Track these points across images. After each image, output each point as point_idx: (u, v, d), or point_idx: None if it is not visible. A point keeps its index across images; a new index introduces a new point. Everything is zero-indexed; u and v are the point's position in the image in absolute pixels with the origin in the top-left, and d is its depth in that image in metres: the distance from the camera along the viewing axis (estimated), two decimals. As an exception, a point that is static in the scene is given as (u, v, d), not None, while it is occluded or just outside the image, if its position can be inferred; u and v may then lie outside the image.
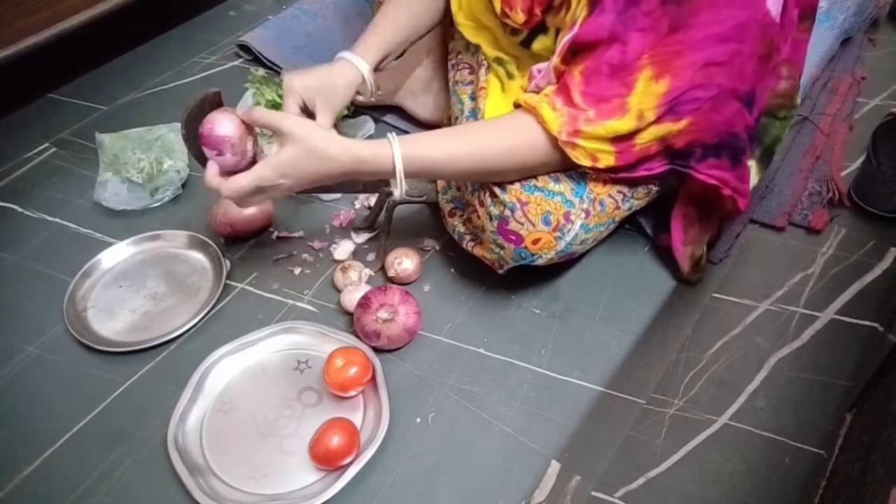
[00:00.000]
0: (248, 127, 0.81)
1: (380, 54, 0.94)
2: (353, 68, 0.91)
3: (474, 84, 1.01)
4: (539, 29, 0.92)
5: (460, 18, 0.99)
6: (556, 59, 0.80)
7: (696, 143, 0.80)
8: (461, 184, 0.94)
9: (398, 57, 1.26)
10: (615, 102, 0.76)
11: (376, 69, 0.94)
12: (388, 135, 0.79)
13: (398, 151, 0.77)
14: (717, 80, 0.75)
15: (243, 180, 0.77)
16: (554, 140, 0.77)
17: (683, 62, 0.74)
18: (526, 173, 0.81)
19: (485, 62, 0.99)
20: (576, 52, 0.78)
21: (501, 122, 0.82)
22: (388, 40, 0.95)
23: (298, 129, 0.76)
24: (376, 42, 0.94)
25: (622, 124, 0.76)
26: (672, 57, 0.74)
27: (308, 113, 0.88)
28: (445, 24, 1.05)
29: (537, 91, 0.83)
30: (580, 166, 0.80)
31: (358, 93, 0.94)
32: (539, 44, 0.93)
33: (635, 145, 0.78)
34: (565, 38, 0.78)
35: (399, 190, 0.79)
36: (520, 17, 0.89)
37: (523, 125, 0.79)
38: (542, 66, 0.89)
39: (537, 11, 0.87)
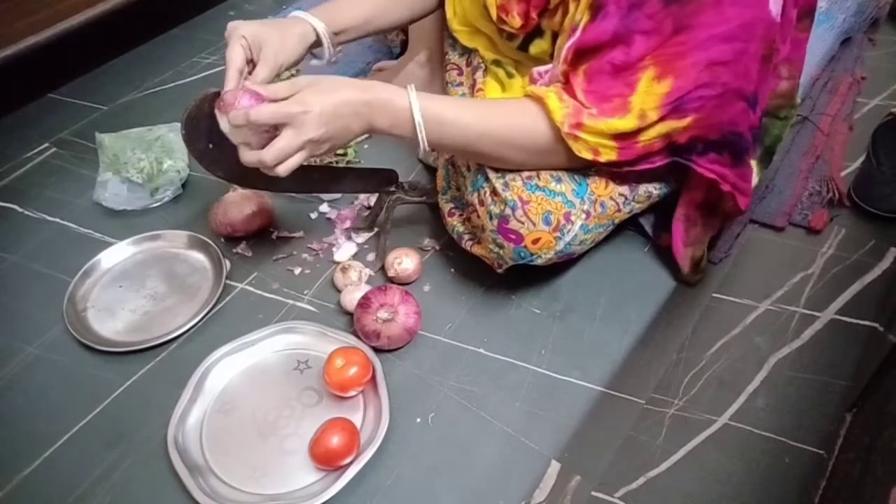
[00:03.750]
0: (260, 97, 0.78)
1: (333, 24, 0.90)
2: (305, 23, 0.88)
3: (465, 85, 1.01)
4: (535, 33, 0.92)
5: (455, 25, 0.99)
6: (561, 66, 0.80)
7: (699, 138, 0.81)
8: (461, 183, 0.94)
9: (396, 56, 1.26)
10: (617, 102, 0.76)
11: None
12: (408, 85, 0.79)
13: (414, 95, 0.77)
14: (722, 79, 0.75)
15: (266, 109, 0.74)
16: (557, 130, 0.77)
17: (687, 62, 0.74)
18: (530, 159, 0.81)
19: (482, 65, 0.99)
20: (580, 55, 0.78)
21: (509, 102, 0.82)
22: (344, 14, 0.91)
23: (308, 79, 0.76)
24: (330, 10, 0.91)
25: (624, 123, 0.76)
26: (675, 58, 0.74)
27: (251, 68, 0.84)
28: (443, 24, 1.05)
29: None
30: (583, 164, 0.80)
31: (313, 55, 0.91)
32: (536, 47, 0.93)
33: (639, 142, 0.78)
34: (568, 44, 0.78)
35: (421, 142, 0.78)
36: (516, 21, 0.89)
37: (529, 109, 0.79)
38: (541, 69, 0.89)
39: (534, 15, 0.87)
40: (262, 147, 0.75)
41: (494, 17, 0.91)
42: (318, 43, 0.90)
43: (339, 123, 0.76)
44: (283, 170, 0.76)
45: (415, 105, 0.77)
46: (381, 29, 0.98)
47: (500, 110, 0.81)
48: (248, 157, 0.77)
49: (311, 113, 0.74)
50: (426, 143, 0.78)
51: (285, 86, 0.76)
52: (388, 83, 0.79)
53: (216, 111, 0.78)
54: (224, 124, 0.77)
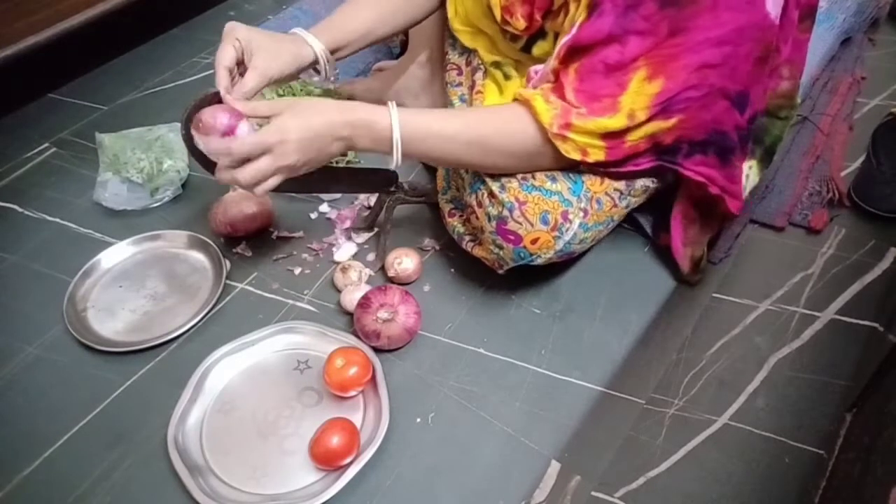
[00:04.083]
0: (238, 113, 0.79)
1: (333, 40, 0.90)
2: (303, 43, 0.87)
3: (463, 86, 1.01)
4: (538, 34, 0.92)
5: (457, 24, 0.99)
6: (553, 62, 0.80)
7: (684, 139, 0.81)
8: (460, 184, 0.94)
9: (396, 56, 1.26)
10: (606, 101, 0.76)
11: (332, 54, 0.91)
12: (389, 102, 0.79)
13: (395, 113, 0.77)
14: (709, 81, 0.76)
15: (246, 140, 0.75)
16: (545, 132, 0.77)
17: (679, 64, 0.74)
18: (520, 163, 0.81)
19: (481, 66, 0.99)
20: (573, 53, 0.78)
21: (496, 108, 0.83)
22: (345, 29, 0.91)
23: (289, 101, 0.77)
24: (332, 27, 0.91)
25: (613, 122, 0.76)
26: (669, 59, 0.74)
27: (241, 70, 0.84)
28: (443, 25, 1.05)
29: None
30: (570, 164, 0.80)
31: (316, 71, 0.91)
32: (539, 49, 0.93)
33: (626, 142, 0.79)
34: (563, 41, 0.78)
35: (395, 158, 0.79)
36: (521, 23, 0.89)
37: (516, 113, 0.79)
38: (538, 67, 0.89)
39: (537, 17, 0.87)
40: (238, 165, 0.76)
41: (499, 18, 0.91)
42: (317, 61, 0.89)
43: (317, 146, 0.77)
44: (260, 191, 0.77)
45: (395, 123, 0.77)
46: (384, 37, 0.98)
47: (485, 118, 0.81)
48: (223, 176, 0.78)
49: (288, 143, 0.75)
50: (400, 160, 0.79)
51: (265, 106, 0.77)
52: (369, 103, 0.79)
53: (193, 130, 0.79)
54: (200, 144, 0.78)
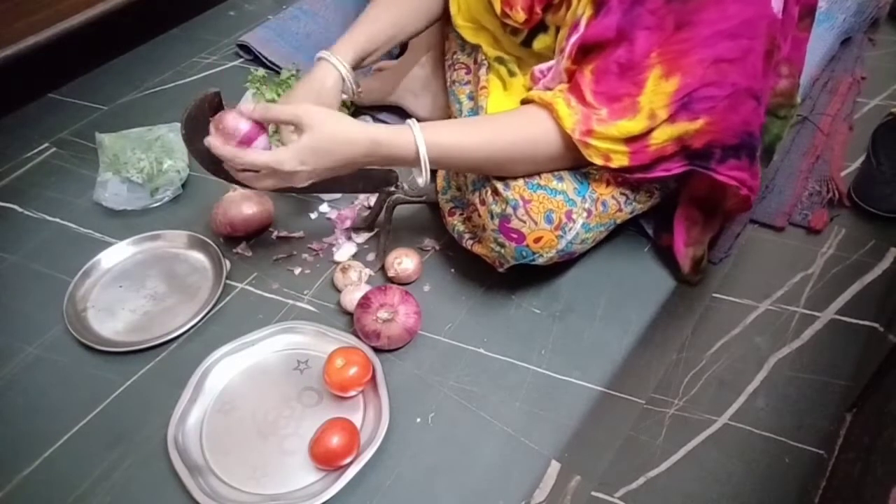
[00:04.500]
0: (259, 125, 0.81)
1: (360, 53, 0.94)
2: (333, 69, 0.91)
3: (472, 84, 1.01)
4: (539, 28, 0.92)
5: (459, 20, 0.99)
6: (566, 62, 0.80)
7: (716, 143, 0.80)
8: (461, 183, 0.94)
9: (396, 55, 1.27)
10: (626, 101, 0.76)
11: (356, 67, 0.94)
12: (408, 121, 0.79)
13: (420, 136, 0.78)
14: (731, 79, 0.75)
15: (260, 156, 0.77)
16: (567, 136, 0.77)
17: (692, 59, 0.74)
18: (538, 167, 0.81)
19: (485, 62, 0.99)
20: (585, 52, 0.78)
21: (516, 114, 0.82)
22: (369, 39, 0.94)
23: (316, 115, 0.77)
24: (355, 41, 0.94)
25: (634, 124, 0.76)
26: (680, 55, 0.74)
27: None
28: (444, 24, 1.05)
29: (548, 90, 0.84)
30: (591, 164, 0.80)
31: (342, 92, 0.94)
32: (539, 43, 0.93)
33: (650, 145, 0.78)
34: (573, 39, 0.78)
35: (424, 177, 0.80)
36: (520, 16, 0.89)
37: (538, 119, 0.79)
38: (543, 67, 0.89)
39: (538, 10, 0.88)
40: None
41: (498, 11, 0.91)
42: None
43: (333, 171, 0.80)
44: (250, 182, 0.82)
45: (421, 148, 0.78)
46: (399, 42, 1.00)
47: (507, 126, 0.81)
48: (221, 147, 0.80)
49: (301, 173, 0.78)
50: (429, 177, 0.81)
51: (288, 113, 0.78)
52: (389, 125, 0.82)
53: (211, 125, 0.80)
54: (216, 149, 0.79)
